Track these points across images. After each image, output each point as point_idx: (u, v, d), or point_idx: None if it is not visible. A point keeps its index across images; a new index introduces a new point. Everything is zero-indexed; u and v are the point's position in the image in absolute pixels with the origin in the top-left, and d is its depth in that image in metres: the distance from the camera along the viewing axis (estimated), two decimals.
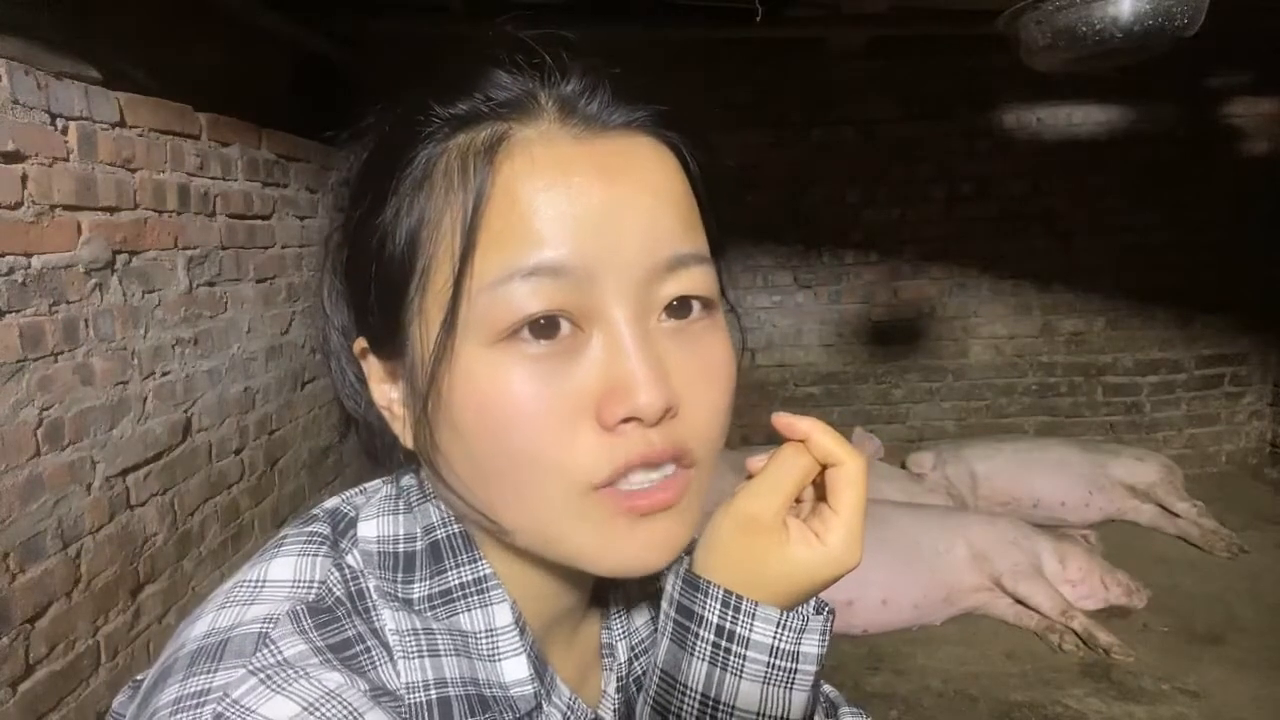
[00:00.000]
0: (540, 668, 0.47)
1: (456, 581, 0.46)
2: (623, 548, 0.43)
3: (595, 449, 0.41)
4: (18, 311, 1.58)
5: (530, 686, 0.46)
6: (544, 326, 0.41)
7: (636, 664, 0.56)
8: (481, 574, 0.47)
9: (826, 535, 0.47)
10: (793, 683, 0.46)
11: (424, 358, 0.43)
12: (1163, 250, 4.13)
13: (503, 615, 0.46)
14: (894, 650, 2.75)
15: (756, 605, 0.46)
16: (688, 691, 0.47)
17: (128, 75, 2.05)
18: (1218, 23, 1.80)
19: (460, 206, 0.41)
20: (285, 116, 2.79)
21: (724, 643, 0.46)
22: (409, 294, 0.43)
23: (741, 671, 0.46)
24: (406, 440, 0.47)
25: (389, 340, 0.45)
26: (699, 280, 0.44)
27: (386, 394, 0.48)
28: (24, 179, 1.60)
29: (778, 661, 0.46)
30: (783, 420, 0.49)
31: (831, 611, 0.49)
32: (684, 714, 0.47)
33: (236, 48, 2.75)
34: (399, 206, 0.43)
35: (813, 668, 0.47)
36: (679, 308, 0.44)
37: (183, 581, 2.13)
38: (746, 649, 0.46)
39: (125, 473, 1.90)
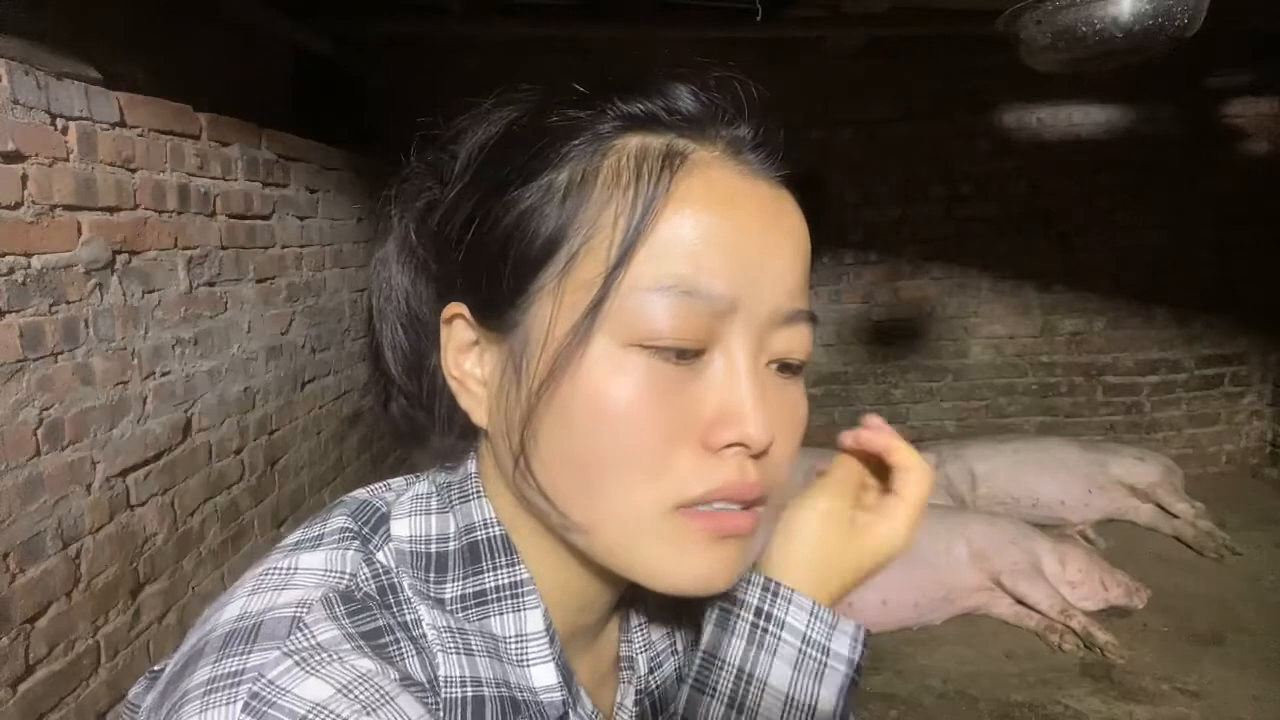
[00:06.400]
0: (567, 675, 0.47)
1: (492, 584, 0.47)
2: (694, 566, 0.44)
3: (693, 468, 0.42)
4: (18, 311, 1.58)
5: (559, 694, 0.46)
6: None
7: (653, 677, 0.56)
8: (519, 578, 0.47)
9: (894, 516, 0.53)
10: (822, 675, 0.49)
11: (544, 338, 0.43)
12: (1163, 250, 4.13)
13: (534, 621, 0.47)
14: (894, 650, 2.75)
15: (793, 592, 0.50)
16: (725, 666, 0.50)
17: (128, 75, 2.05)
18: (1218, 23, 1.80)
19: (629, 206, 0.42)
20: (285, 116, 2.80)
21: (761, 621, 0.50)
22: (545, 274, 0.43)
23: (776, 650, 0.49)
24: (479, 417, 0.47)
25: (499, 314, 0.45)
26: (805, 339, 0.46)
27: (462, 365, 0.47)
28: (24, 179, 1.60)
29: (809, 650, 0.49)
30: (864, 435, 0.55)
31: (866, 631, 0.52)
32: (720, 688, 0.49)
33: (236, 48, 2.75)
34: (550, 186, 0.44)
35: (843, 668, 0.49)
36: (783, 364, 0.46)
37: (183, 581, 2.12)
38: (782, 630, 0.50)
39: (125, 473, 1.90)
